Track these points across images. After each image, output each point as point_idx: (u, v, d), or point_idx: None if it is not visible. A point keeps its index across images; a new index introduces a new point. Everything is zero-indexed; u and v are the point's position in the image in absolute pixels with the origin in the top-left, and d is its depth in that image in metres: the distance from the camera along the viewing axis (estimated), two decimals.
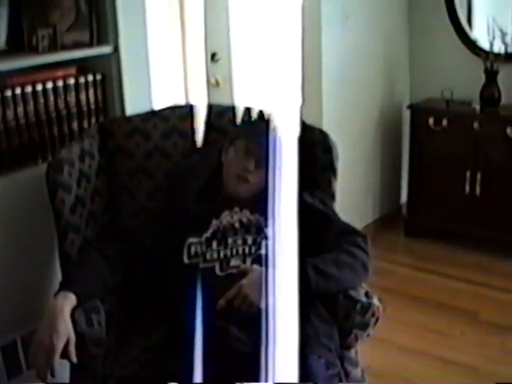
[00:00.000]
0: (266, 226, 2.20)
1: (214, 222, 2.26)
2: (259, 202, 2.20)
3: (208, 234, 2.24)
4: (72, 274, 2.13)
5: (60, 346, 1.91)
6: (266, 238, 2.19)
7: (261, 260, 2.12)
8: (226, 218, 2.27)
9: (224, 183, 2.36)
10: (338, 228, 2.29)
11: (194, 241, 2.23)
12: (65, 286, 2.05)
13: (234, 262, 2.16)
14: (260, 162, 2.27)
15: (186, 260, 2.21)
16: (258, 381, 1.81)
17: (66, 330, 1.93)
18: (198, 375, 1.84)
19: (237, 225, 2.25)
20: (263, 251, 2.16)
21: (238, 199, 2.30)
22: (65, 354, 1.93)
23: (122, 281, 2.21)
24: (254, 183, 2.29)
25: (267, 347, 1.85)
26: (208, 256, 2.19)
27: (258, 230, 2.22)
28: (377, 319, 2.18)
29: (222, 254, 2.19)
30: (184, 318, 2.00)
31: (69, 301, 2.00)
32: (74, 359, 1.95)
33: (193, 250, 2.21)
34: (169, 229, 2.29)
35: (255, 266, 2.10)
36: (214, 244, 2.21)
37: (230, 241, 2.21)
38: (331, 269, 2.10)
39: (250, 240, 2.21)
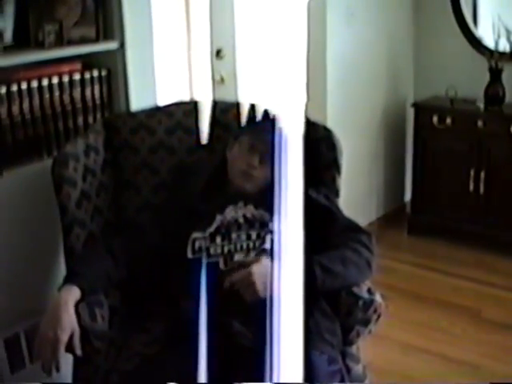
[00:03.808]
0: (271, 220, 2.21)
1: (218, 217, 2.25)
2: (264, 197, 2.20)
3: (212, 228, 2.23)
4: (76, 267, 2.14)
5: (64, 338, 1.92)
6: (270, 232, 2.19)
7: (264, 254, 2.13)
8: (230, 213, 2.26)
9: (229, 179, 2.36)
10: (342, 224, 2.29)
11: (198, 236, 2.23)
12: (69, 280, 2.06)
13: (237, 257, 2.16)
14: (264, 157, 2.28)
15: (189, 255, 2.20)
16: (261, 376, 1.82)
17: (70, 322, 1.95)
18: (200, 369, 1.85)
19: (241, 220, 2.24)
20: (268, 245, 2.16)
21: (242, 194, 2.30)
22: (69, 348, 1.95)
23: (127, 275, 2.22)
24: (259, 178, 2.29)
25: (271, 342, 1.86)
26: (212, 251, 2.19)
27: (262, 224, 2.22)
28: (379, 316, 2.19)
29: (225, 249, 2.19)
30: (187, 312, 2.01)
31: (73, 294, 2.01)
32: (79, 352, 1.97)
33: (197, 244, 2.21)
34: (173, 224, 2.29)
35: (263, 258, 2.09)
36: (218, 239, 2.21)
37: (233, 236, 2.21)
38: (337, 267, 2.11)
39: (254, 235, 2.20)
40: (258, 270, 2.02)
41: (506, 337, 3.29)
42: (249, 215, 2.25)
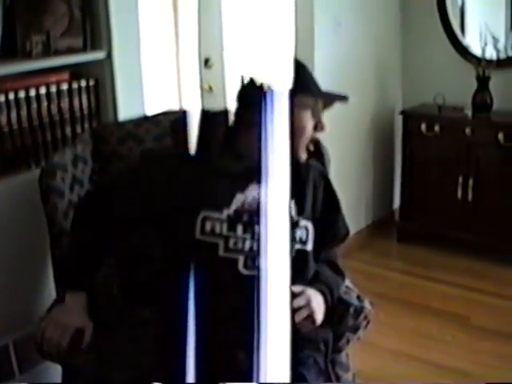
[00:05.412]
0: (298, 213, 2.00)
1: (239, 197, 1.92)
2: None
3: (231, 210, 1.90)
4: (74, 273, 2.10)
5: (63, 343, 1.95)
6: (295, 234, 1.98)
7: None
8: (252, 192, 1.93)
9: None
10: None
11: (209, 215, 1.89)
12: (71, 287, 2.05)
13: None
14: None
15: (198, 235, 1.88)
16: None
17: (69, 322, 1.96)
18: (191, 379, 1.84)
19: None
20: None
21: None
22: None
23: (118, 281, 2.21)
24: None
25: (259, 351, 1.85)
26: (231, 243, 1.88)
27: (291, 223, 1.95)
28: (367, 322, 2.20)
29: (247, 245, 1.89)
30: (180, 323, 1.98)
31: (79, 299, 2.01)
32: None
33: (208, 226, 1.89)
34: (178, 198, 1.93)
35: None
36: (239, 229, 1.90)
37: (257, 229, 1.89)
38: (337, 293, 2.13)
39: None
40: (315, 298, 1.97)
41: (496, 343, 3.29)
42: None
